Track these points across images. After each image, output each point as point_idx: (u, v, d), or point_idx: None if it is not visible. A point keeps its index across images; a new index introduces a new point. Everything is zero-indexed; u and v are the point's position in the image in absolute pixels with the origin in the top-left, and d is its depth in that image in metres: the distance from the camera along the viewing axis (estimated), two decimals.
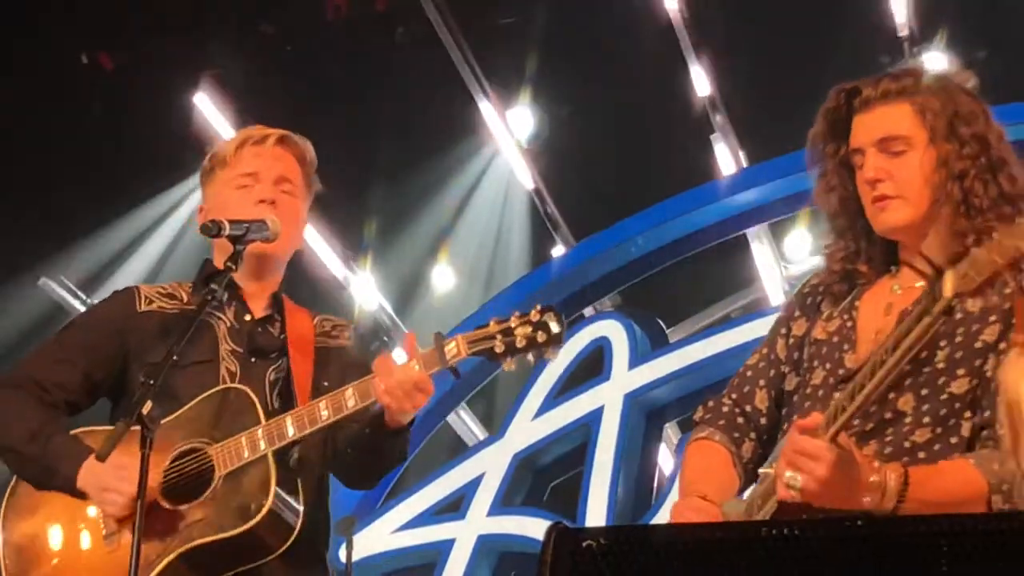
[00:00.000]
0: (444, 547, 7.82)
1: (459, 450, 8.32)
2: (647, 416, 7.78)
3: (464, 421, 8.59)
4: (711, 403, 3.63)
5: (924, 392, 3.26)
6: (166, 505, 3.88)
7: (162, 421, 3.81)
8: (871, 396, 3.11)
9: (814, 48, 8.12)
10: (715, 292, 8.40)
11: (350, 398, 3.80)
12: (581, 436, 7.80)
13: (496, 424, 8.33)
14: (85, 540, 3.98)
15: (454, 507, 7.97)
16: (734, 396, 3.61)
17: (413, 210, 9.12)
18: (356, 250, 8.93)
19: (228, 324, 4.11)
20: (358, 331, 4.34)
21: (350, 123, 8.50)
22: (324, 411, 3.82)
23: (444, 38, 8.53)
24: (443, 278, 9.28)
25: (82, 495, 3.96)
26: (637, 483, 7.64)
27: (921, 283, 3.25)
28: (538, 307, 3.73)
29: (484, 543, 7.78)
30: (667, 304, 8.24)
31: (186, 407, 3.98)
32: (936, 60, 8.17)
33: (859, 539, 2.55)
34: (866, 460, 3.11)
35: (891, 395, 3.25)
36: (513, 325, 3.73)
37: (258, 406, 3.90)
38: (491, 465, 7.93)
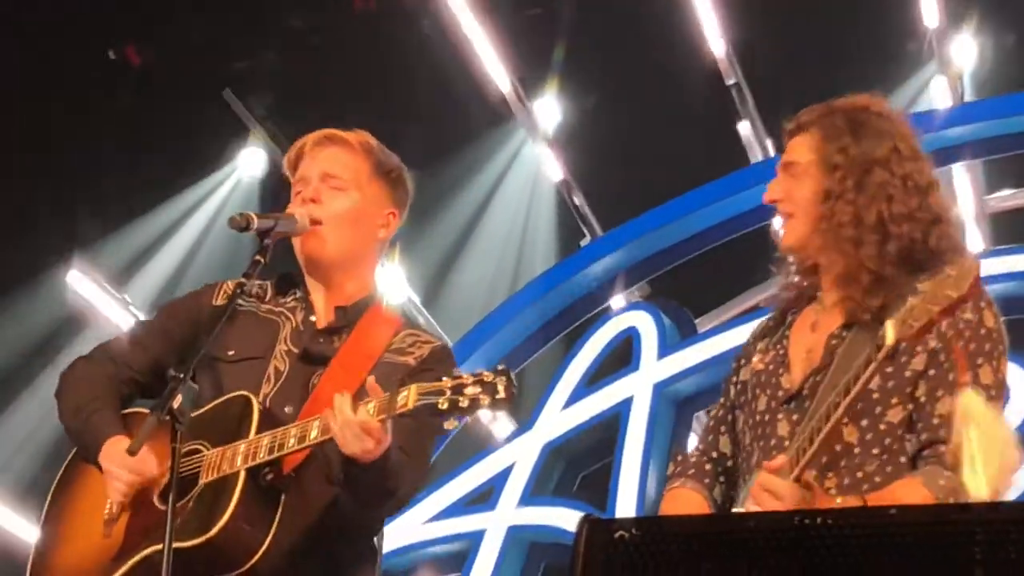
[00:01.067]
0: (475, 538, 7.82)
1: (489, 441, 8.33)
2: (676, 406, 7.79)
3: (493, 412, 8.58)
4: (680, 457, 3.83)
5: (864, 423, 3.45)
6: (157, 504, 3.87)
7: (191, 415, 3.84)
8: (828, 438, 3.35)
9: (842, 40, 8.11)
10: (743, 281, 8.38)
11: (313, 429, 3.74)
12: (611, 426, 7.80)
13: (525, 415, 8.33)
14: (92, 521, 3.98)
15: (484, 498, 7.98)
16: (701, 447, 3.82)
17: (441, 202, 9.12)
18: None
19: (294, 325, 4.08)
20: (441, 353, 4.15)
21: (377, 116, 8.46)
22: (292, 439, 3.77)
23: (470, 30, 8.53)
24: (471, 270, 9.28)
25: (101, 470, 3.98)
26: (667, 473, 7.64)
27: (836, 297, 3.58)
28: (497, 368, 3.66)
29: (514, 534, 7.79)
30: (696, 294, 8.23)
31: (210, 405, 3.97)
32: (965, 45, 8.15)
33: (892, 528, 2.55)
34: (827, 497, 3.33)
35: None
36: (466, 383, 3.61)
37: (254, 419, 3.85)
38: (521, 455, 7.94)
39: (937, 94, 8.27)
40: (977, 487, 3.08)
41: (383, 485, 3.85)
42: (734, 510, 3.53)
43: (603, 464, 7.88)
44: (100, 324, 8.76)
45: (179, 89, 8.95)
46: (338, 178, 4.11)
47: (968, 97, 8.15)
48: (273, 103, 9.06)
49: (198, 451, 3.90)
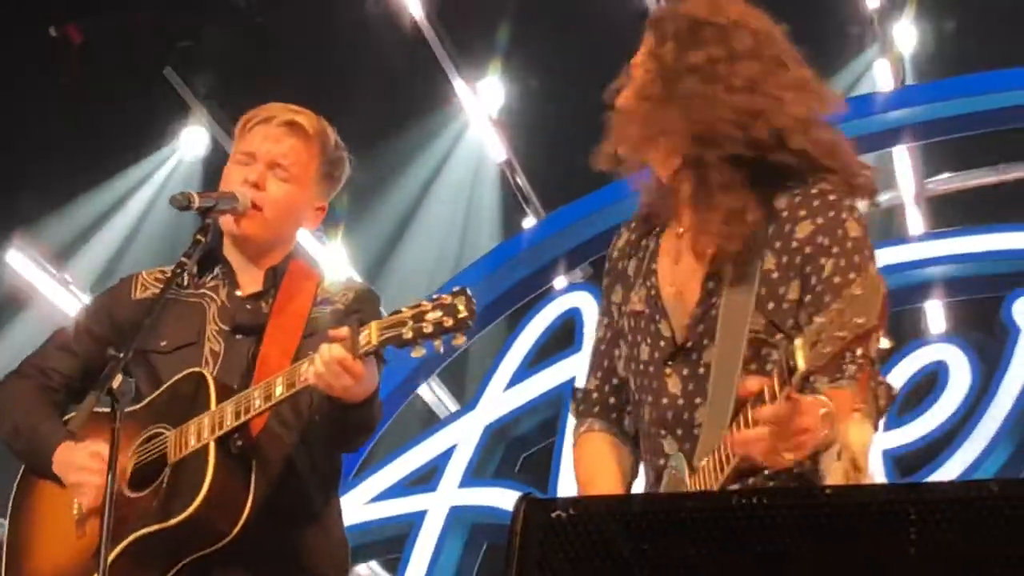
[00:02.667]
0: (416, 519, 7.83)
1: (431, 422, 8.33)
2: None
3: (435, 393, 8.59)
4: (580, 393, 3.69)
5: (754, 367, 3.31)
6: (127, 493, 3.88)
7: (133, 408, 3.87)
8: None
9: (782, 19, 8.12)
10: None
11: (278, 386, 3.78)
12: (553, 407, 7.82)
13: (468, 396, 8.34)
14: (60, 525, 4.00)
15: (426, 479, 7.98)
16: (599, 375, 3.66)
17: (384, 182, 9.11)
18: (327, 222, 8.91)
19: (219, 303, 4.10)
20: (368, 295, 4.21)
21: (321, 95, 8.46)
22: (257, 400, 3.80)
23: (414, 10, 8.52)
24: (414, 250, 9.26)
25: (57, 479, 4.00)
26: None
27: (693, 219, 3.38)
28: (454, 290, 3.65)
29: (456, 514, 7.80)
30: None
31: (156, 392, 3.99)
32: (906, 29, 8.19)
33: (828, 507, 2.57)
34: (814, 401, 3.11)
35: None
36: (425, 310, 3.63)
37: (212, 391, 3.86)
38: (463, 437, 7.95)
39: (879, 77, 8.31)
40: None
41: (368, 423, 3.93)
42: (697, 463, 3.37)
43: (546, 445, 7.90)
44: (40, 304, 8.70)
45: (121, 67, 8.88)
46: (285, 170, 4.12)
47: (909, 81, 8.20)
48: (215, 82, 9.00)
49: (160, 434, 3.92)
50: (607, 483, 3.52)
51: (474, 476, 7.85)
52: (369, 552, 8.11)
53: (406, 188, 9.24)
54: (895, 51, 8.15)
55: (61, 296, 8.67)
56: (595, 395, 3.66)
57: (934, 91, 7.88)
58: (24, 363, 4.22)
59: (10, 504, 4.14)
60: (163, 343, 4.03)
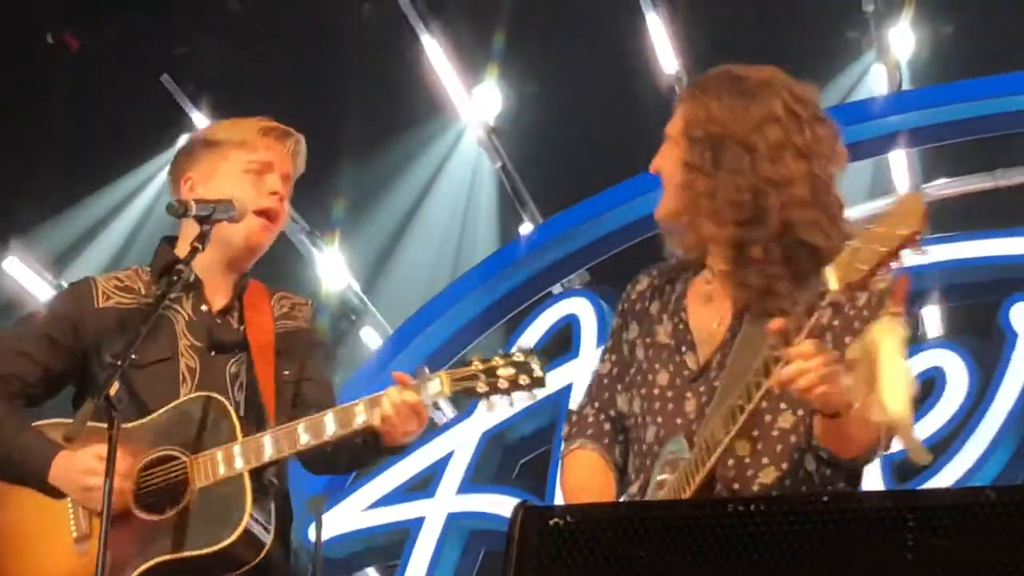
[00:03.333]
0: (414, 525, 7.83)
1: (428, 428, 8.32)
2: None
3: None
4: (575, 417, 3.72)
5: (755, 433, 3.39)
6: (140, 514, 3.82)
7: (129, 424, 3.80)
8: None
9: (780, 24, 8.13)
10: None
11: (330, 424, 3.79)
12: (550, 413, 7.81)
13: (465, 402, 8.33)
14: (53, 541, 3.91)
15: (423, 485, 7.98)
16: (596, 404, 3.70)
17: (381, 188, 9.11)
18: (323, 228, 8.92)
19: (186, 317, 4.03)
20: (318, 309, 4.30)
21: (318, 100, 8.48)
22: (304, 435, 3.80)
23: (410, 15, 8.52)
24: (412, 256, 9.27)
25: (52, 491, 3.90)
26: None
27: (726, 266, 3.50)
28: (520, 349, 3.77)
29: (453, 521, 7.80)
30: None
31: (159, 412, 3.92)
32: (903, 34, 8.20)
33: (825, 514, 2.57)
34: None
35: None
36: (496, 365, 3.75)
37: (235, 419, 3.85)
38: (460, 443, 7.95)
39: (876, 82, 8.32)
40: (896, 404, 3.04)
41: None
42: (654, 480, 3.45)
43: (543, 451, 7.89)
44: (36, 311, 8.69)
45: (117, 74, 8.88)
46: (288, 187, 4.16)
47: (906, 86, 8.20)
48: (212, 89, 9.01)
49: (174, 457, 3.86)
50: (595, 496, 3.55)
51: (472, 482, 7.85)
52: (367, 559, 8.12)
53: (403, 194, 9.25)
54: (892, 56, 8.16)
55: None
56: (590, 419, 3.69)
57: (931, 96, 7.89)
58: None
59: None
60: (134, 356, 3.86)
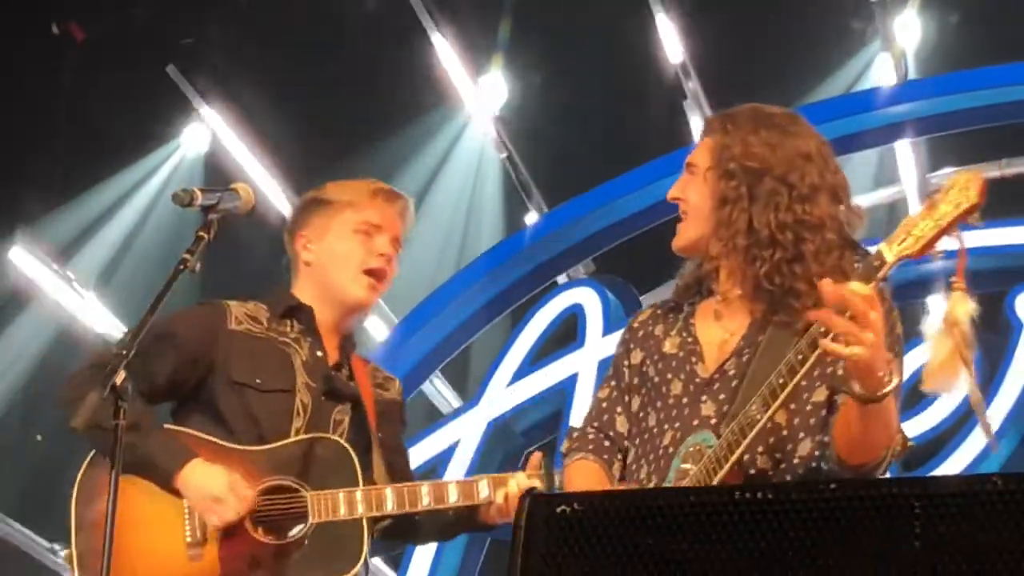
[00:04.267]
0: None
1: (434, 418, 8.33)
2: None
3: (438, 389, 8.59)
4: (575, 434, 3.80)
5: (792, 407, 3.46)
6: (258, 535, 3.95)
7: (252, 448, 4.00)
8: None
9: (785, 14, 8.12)
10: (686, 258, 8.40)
11: (452, 493, 4.01)
12: (556, 403, 7.82)
13: (471, 392, 8.34)
14: (167, 540, 4.02)
15: (429, 475, 7.97)
16: (596, 424, 3.78)
17: (387, 178, 9.07)
18: None
19: (303, 358, 4.19)
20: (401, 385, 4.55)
21: (323, 92, 8.48)
22: (425, 498, 4.02)
23: (416, 6, 8.51)
24: (416, 246, 9.26)
25: (174, 492, 4.01)
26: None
27: (739, 292, 3.59)
28: None
29: None
30: (640, 271, 8.25)
31: (282, 443, 4.07)
32: (909, 23, 8.18)
33: (832, 502, 2.57)
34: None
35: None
36: None
37: (357, 466, 4.02)
38: (466, 432, 7.94)
39: (881, 72, 8.31)
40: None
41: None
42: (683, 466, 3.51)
43: (549, 441, 7.89)
44: (43, 301, 8.71)
45: (123, 64, 8.89)
46: (398, 247, 4.37)
47: (912, 75, 8.19)
48: (217, 79, 9.00)
49: (293, 488, 4.01)
50: None
51: (477, 472, 7.85)
52: (373, 548, 8.11)
53: (408, 184, 9.23)
54: (898, 45, 8.14)
55: (64, 293, 8.68)
56: (590, 436, 3.77)
57: (937, 85, 7.87)
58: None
59: (76, 490, 4.10)
60: (258, 380, 4.13)
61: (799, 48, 7.78)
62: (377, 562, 8.29)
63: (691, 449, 3.47)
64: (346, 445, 4.06)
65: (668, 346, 3.67)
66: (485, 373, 8.12)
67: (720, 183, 3.59)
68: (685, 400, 3.58)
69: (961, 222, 3.15)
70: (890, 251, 3.20)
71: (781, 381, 3.31)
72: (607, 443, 3.73)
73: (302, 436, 4.06)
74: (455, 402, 8.48)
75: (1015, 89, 7.62)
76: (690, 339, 3.65)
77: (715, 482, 3.35)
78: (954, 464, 7.13)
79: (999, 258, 7.52)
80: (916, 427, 7.21)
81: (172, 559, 3.98)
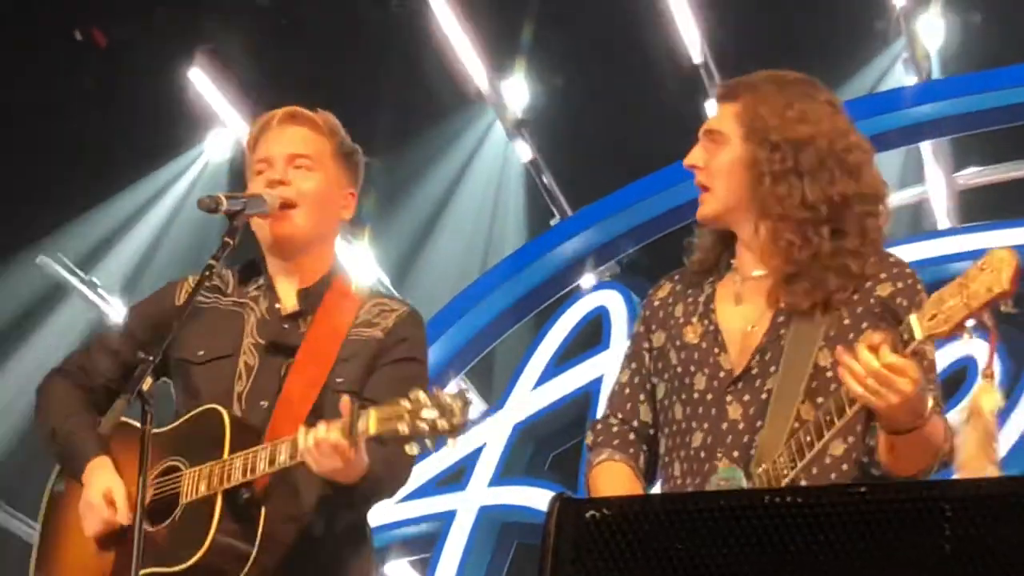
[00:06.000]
0: (446, 518, 7.83)
1: None
2: None
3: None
4: (599, 426, 3.73)
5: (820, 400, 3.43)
6: (146, 525, 3.85)
7: (160, 430, 3.86)
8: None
9: (808, 15, 8.11)
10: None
11: (281, 453, 3.73)
12: (582, 406, 7.81)
13: (496, 395, 8.34)
14: (81, 538, 4.00)
15: (455, 478, 7.98)
16: (619, 415, 3.71)
17: (410, 182, 9.11)
18: (353, 223, 8.91)
19: (259, 316, 4.05)
20: (408, 319, 4.09)
21: (345, 96, 8.48)
22: (262, 462, 3.76)
23: (438, 8, 8.52)
24: (441, 251, 9.27)
25: None
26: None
27: (758, 272, 3.54)
28: (451, 393, 3.60)
29: (486, 514, 7.80)
30: (664, 273, 8.22)
31: (181, 419, 3.97)
32: (932, 23, 8.16)
33: (862, 506, 2.56)
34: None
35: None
36: (423, 405, 3.55)
37: (227, 437, 3.82)
38: (491, 436, 7.94)
39: (904, 72, 8.29)
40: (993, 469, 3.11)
41: (371, 496, 3.94)
42: (719, 478, 3.47)
43: (574, 443, 7.89)
44: (69, 307, 8.73)
45: (146, 70, 8.91)
46: (305, 157, 4.07)
47: (936, 75, 8.17)
48: (240, 84, 9.02)
49: (177, 468, 3.89)
50: None
51: (503, 475, 7.85)
52: (399, 551, 8.12)
53: (432, 188, 9.24)
54: (921, 45, 8.12)
55: (90, 300, 8.71)
56: (614, 428, 3.71)
57: (961, 85, 7.85)
58: (68, 360, 4.21)
59: (47, 495, 4.13)
60: (200, 352, 3.99)
61: (822, 49, 7.76)
62: (404, 566, 8.30)
63: (721, 483, 3.43)
64: (223, 412, 3.85)
65: (690, 335, 3.61)
66: (510, 377, 8.12)
67: (760, 154, 3.53)
68: (710, 397, 3.53)
69: (990, 306, 3.11)
70: (920, 327, 3.17)
71: (809, 439, 3.31)
72: (632, 436, 3.68)
73: (198, 410, 3.91)
74: (480, 406, 8.48)
75: None
76: (712, 327, 3.59)
77: None
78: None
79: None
80: None
81: (85, 556, 3.97)
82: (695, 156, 3.66)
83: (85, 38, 9.23)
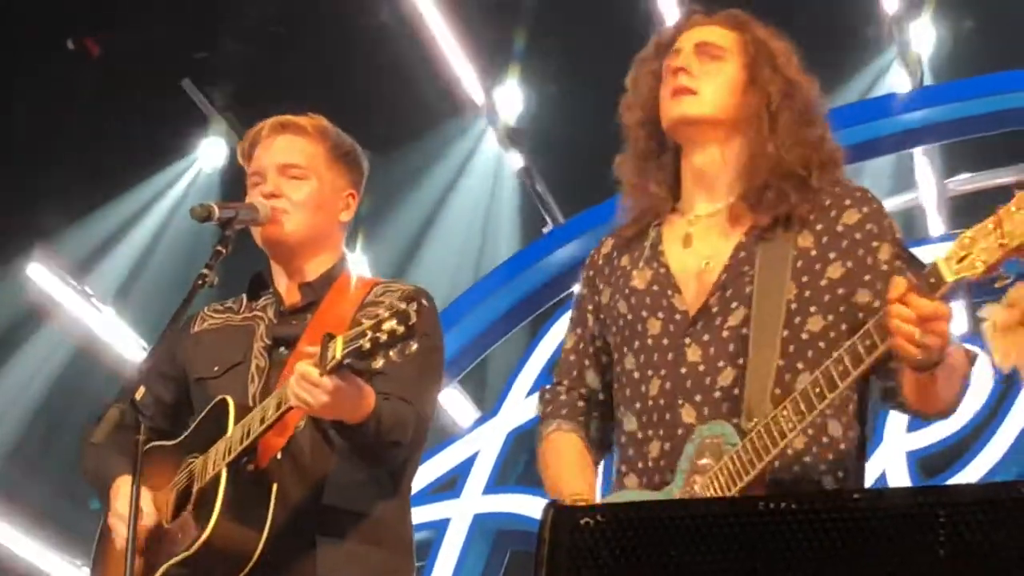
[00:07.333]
0: (440, 526, 7.83)
1: (452, 429, 8.33)
2: None
3: (457, 400, 8.59)
4: (547, 395, 3.69)
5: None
6: (166, 524, 3.89)
7: (176, 441, 3.93)
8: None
9: (799, 21, 8.11)
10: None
11: (270, 407, 3.73)
12: None
13: (489, 402, 8.34)
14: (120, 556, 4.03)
15: (449, 486, 7.98)
16: (566, 382, 3.66)
17: (403, 190, 9.12)
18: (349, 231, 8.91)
19: (267, 321, 4.08)
20: (414, 294, 3.91)
21: (339, 103, 8.45)
22: (255, 421, 3.75)
23: (430, 16, 8.52)
24: (434, 258, 9.27)
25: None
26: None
27: (711, 208, 3.47)
28: (409, 293, 3.62)
29: (480, 522, 7.80)
30: None
31: (195, 422, 3.99)
32: (924, 30, 8.18)
33: (856, 511, 2.56)
34: None
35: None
36: (384, 318, 3.50)
37: (231, 416, 3.83)
38: (485, 443, 7.95)
39: (896, 78, 8.30)
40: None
41: (384, 439, 3.81)
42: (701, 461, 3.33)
43: None
44: (61, 317, 8.72)
45: (139, 79, 8.90)
46: (296, 167, 4.09)
47: (927, 81, 8.18)
48: (233, 93, 9.02)
49: (192, 463, 3.92)
50: (582, 487, 3.50)
51: (497, 483, 7.86)
52: None
53: (425, 196, 9.25)
54: (913, 52, 8.14)
55: (82, 309, 8.70)
56: (563, 397, 3.66)
57: (953, 91, 7.87)
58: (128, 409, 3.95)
59: (97, 535, 4.14)
60: (215, 368, 4.02)
61: (814, 55, 7.76)
62: None
63: (707, 441, 3.28)
64: (227, 398, 3.86)
65: (638, 280, 3.52)
66: (504, 384, 8.12)
67: (764, 75, 3.56)
68: (666, 342, 3.42)
69: (1019, 253, 2.93)
70: (949, 270, 2.98)
71: (818, 390, 3.14)
72: (580, 403, 3.62)
73: (205, 410, 3.94)
74: (474, 413, 8.47)
75: None
76: (662, 270, 3.50)
77: (740, 487, 3.17)
78: (974, 472, 7.11)
79: (1017, 263, 7.49)
80: (934, 434, 7.21)
81: (113, 567, 3.99)
82: (685, 59, 3.62)
83: (78, 47, 9.22)
